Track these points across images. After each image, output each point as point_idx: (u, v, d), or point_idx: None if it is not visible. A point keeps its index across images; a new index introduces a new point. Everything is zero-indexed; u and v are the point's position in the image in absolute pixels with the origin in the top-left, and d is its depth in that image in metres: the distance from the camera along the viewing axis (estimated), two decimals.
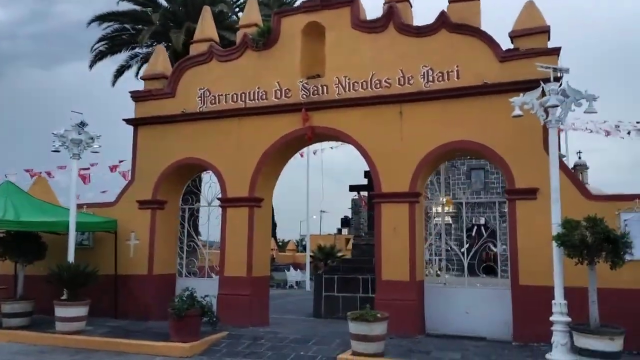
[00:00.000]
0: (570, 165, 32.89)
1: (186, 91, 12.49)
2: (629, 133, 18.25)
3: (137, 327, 11.05)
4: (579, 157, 44.31)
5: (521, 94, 8.45)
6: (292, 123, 11.38)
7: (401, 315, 9.71)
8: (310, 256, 31.28)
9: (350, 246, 42.54)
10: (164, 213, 12.57)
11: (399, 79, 10.73)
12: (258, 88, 11.82)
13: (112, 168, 21.13)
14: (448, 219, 46.46)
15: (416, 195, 10.44)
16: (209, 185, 12.81)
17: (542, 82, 8.28)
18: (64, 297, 10.66)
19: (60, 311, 10.19)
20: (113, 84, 23.75)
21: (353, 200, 60.69)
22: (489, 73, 10.07)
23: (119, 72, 23.76)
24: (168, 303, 12.15)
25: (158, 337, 9.94)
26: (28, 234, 11.05)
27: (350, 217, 61.80)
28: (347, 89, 11.12)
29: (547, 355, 7.76)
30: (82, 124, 11.17)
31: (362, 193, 15.59)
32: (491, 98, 10.00)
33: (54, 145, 11.02)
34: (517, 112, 8.36)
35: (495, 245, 12.50)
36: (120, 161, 22.52)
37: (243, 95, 11.96)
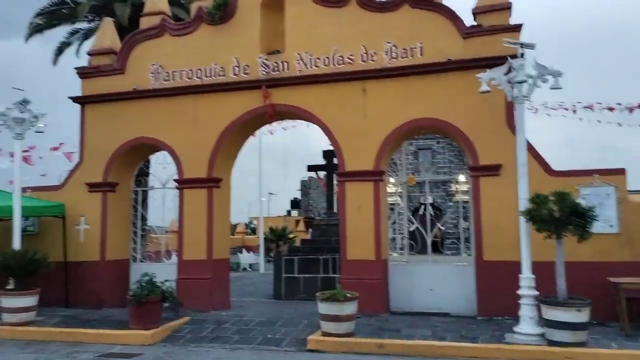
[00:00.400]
0: None
1: (137, 67, 11.83)
2: (574, 112, 18.78)
3: (92, 316, 10.51)
4: None
5: (487, 70, 8.41)
6: (251, 101, 11.00)
7: (367, 294, 9.60)
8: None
9: (300, 227, 42.82)
10: (116, 196, 11.96)
11: (361, 55, 10.52)
12: (215, 64, 11.34)
13: (54, 149, 20.08)
14: (397, 199, 47.12)
15: (380, 174, 10.34)
16: (163, 167, 12.29)
17: (509, 58, 8.27)
18: (10, 286, 9.99)
19: (7, 302, 9.52)
20: (54, 63, 22.38)
21: (302, 182, 60.80)
22: (452, 50, 10.01)
23: (60, 49, 22.46)
24: (122, 289, 11.75)
25: (116, 325, 9.49)
26: None
27: (299, 198, 61.87)
28: (308, 66, 10.81)
29: (515, 328, 7.88)
30: (25, 102, 10.39)
31: (319, 173, 15.41)
32: (455, 75, 9.97)
33: None
34: (485, 87, 8.33)
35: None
36: (60, 143, 21.44)
37: (199, 71, 11.44)
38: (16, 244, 10.21)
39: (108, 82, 11.94)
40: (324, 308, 8.15)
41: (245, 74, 11.14)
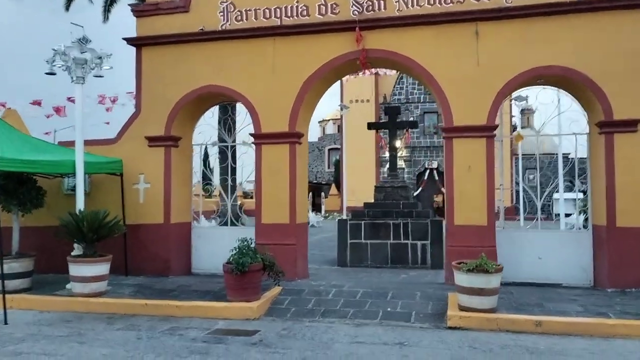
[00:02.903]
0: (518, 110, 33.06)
1: (203, 4, 10.36)
2: None
3: (165, 285, 9.36)
4: (526, 102, 45.15)
5: None
6: (342, 44, 9.67)
7: None
8: None
9: None
10: (178, 151, 10.66)
11: None
12: (297, 2, 9.94)
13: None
14: (401, 163, 45.77)
15: (494, 129, 9.22)
16: (230, 119, 11.00)
17: None
18: (76, 252, 8.75)
19: (77, 269, 8.29)
20: (67, 9, 20.69)
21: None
22: None
23: None
24: (187, 255, 10.65)
25: (204, 295, 8.40)
26: (24, 178, 8.90)
27: None
28: (409, 5, 9.50)
29: None
30: (85, 40, 8.93)
31: (380, 131, 14.09)
32: (586, 17, 8.78)
33: (53, 65, 8.74)
34: None
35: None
36: (69, 98, 19.87)
37: (278, 10, 10.03)
38: (79, 203, 8.93)
39: (169, 22, 10.47)
40: (466, 280, 7.10)
41: (334, 13, 9.78)
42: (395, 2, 9.54)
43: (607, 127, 8.73)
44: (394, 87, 42.46)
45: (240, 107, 10.82)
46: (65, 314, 7.99)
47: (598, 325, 6.62)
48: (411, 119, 39.65)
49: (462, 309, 7.18)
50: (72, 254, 8.73)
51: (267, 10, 10.08)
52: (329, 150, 58.92)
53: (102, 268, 8.41)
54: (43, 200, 9.30)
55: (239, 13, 10.20)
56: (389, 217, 12.65)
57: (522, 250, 9.54)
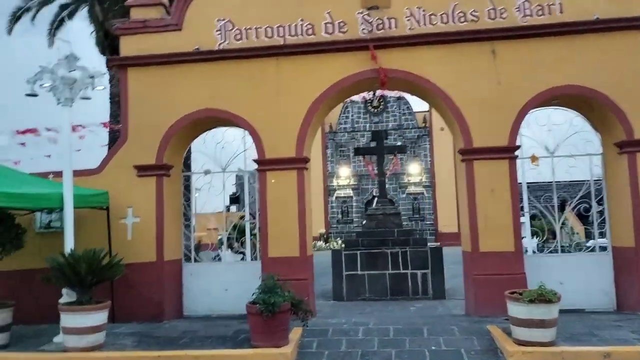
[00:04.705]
0: None
1: (198, 22, 9.57)
2: None
3: (168, 332, 8.26)
4: None
5: None
6: (351, 64, 9.15)
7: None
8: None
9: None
10: (170, 181, 9.68)
11: (488, 11, 9.01)
12: (301, 20, 9.36)
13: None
14: (349, 191, 45.49)
15: (516, 150, 8.91)
16: (222, 146, 10.15)
17: None
18: (66, 299, 7.55)
19: (72, 319, 7.08)
20: (9, 32, 19.10)
21: (237, 176, 58.26)
22: (595, 7, 8.76)
23: (16, 15, 19.19)
24: (178, 296, 9.68)
25: (220, 342, 7.41)
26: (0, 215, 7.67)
27: (237, 193, 59.46)
28: (421, 23, 9.14)
29: None
30: (73, 57, 7.93)
31: (367, 156, 13.66)
32: (601, 36, 8.71)
33: (40, 85, 7.66)
34: None
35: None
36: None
37: (281, 29, 9.40)
38: (69, 242, 7.77)
39: (158, 41, 9.58)
40: (526, 311, 6.56)
41: (342, 32, 9.27)
42: (407, 20, 9.16)
43: (628, 146, 8.61)
44: (340, 116, 41.91)
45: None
46: None
47: None
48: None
49: (520, 343, 6.62)
50: (61, 301, 7.52)
51: (269, 29, 9.43)
52: None
53: (100, 316, 7.25)
54: (23, 240, 8.04)
55: (238, 32, 9.48)
56: (385, 245, 12.12)
57: (542, 276, 9.10)
